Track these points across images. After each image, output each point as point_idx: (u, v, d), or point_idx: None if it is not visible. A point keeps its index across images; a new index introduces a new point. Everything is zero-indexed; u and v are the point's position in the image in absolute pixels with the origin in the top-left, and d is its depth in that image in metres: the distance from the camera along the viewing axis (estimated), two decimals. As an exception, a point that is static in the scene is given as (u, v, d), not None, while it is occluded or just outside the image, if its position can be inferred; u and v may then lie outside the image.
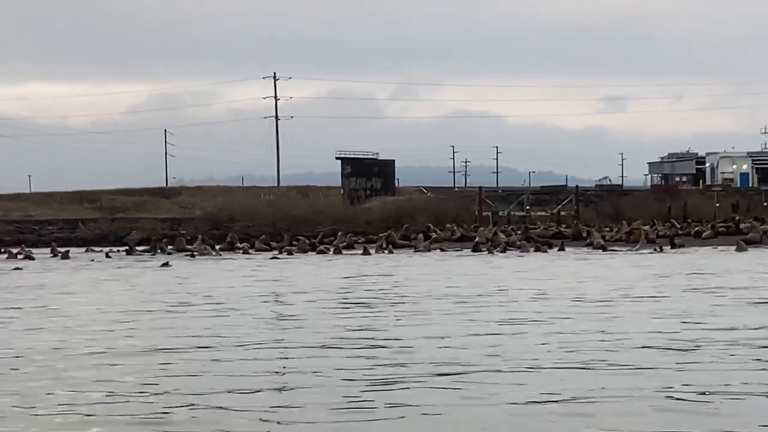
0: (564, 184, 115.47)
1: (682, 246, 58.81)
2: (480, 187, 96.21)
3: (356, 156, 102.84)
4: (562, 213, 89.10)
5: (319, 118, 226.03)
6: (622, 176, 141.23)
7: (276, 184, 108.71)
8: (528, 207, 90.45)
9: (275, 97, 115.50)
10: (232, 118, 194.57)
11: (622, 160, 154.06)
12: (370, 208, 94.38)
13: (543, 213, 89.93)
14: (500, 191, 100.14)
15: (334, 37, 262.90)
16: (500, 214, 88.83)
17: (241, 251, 63.98)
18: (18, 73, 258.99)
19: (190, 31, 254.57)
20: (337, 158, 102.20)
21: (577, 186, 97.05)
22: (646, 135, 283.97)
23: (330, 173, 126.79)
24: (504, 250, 58.16)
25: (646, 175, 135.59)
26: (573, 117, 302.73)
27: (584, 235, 65.34)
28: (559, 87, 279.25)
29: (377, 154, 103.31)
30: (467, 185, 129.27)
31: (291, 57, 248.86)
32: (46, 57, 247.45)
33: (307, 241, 65.02)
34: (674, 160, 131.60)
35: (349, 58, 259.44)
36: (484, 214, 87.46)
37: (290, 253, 61.19)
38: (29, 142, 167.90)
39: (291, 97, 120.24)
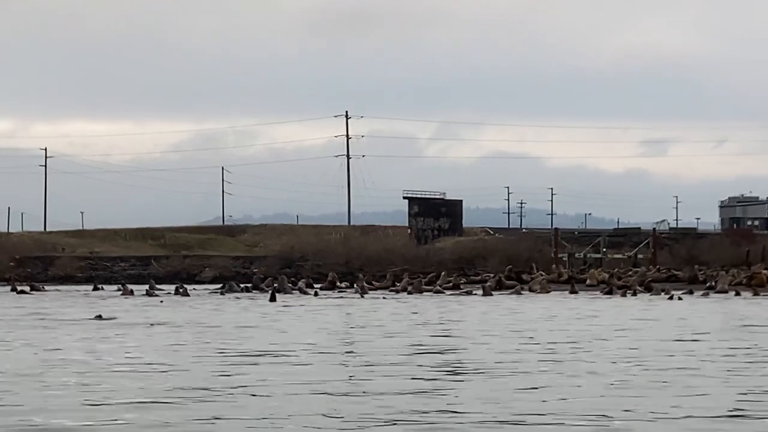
0: (619, 226, 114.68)
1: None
2: (556, 229, 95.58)
3: (424, 196, 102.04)
4: (639, 256, 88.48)
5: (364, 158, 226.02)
6: (677, 219, 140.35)
7: (347, 222, 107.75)
8: (605, 249, 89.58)
9: (347, 135, 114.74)
10: (274, 158, 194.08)
11: (677, 203, 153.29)
12: (442, 248, 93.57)
13: (619, 255, 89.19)
14: (576, 233, 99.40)
15: (380, 78, 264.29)
16: (576, 256, 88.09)
17: (352, 290, 62.79)
18: (60, 110, 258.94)
19: (233, 71, 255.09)
20: (404, 198, 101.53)
21: (654, 229, 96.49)
22: (687, 178, 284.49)
23: (375, 212, 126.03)
24: (635, 293, 57.28)
25: (697, 218, 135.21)
26: (613, 159, 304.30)
27: (701, 278, 64.31)
28: (600, 129, 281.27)
29: (444, 194, 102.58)
30: (522, 226, 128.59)
31: (337, 97, 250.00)
32: (88, 95, 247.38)
33: (421, 282, 64.01)
34: (741, 203, 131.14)
35: (393, 99, 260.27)
36: (559, 255, 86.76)
37: (409, 293, 60.21)
38: (78, 179, 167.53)
39: (362, 136, 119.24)
